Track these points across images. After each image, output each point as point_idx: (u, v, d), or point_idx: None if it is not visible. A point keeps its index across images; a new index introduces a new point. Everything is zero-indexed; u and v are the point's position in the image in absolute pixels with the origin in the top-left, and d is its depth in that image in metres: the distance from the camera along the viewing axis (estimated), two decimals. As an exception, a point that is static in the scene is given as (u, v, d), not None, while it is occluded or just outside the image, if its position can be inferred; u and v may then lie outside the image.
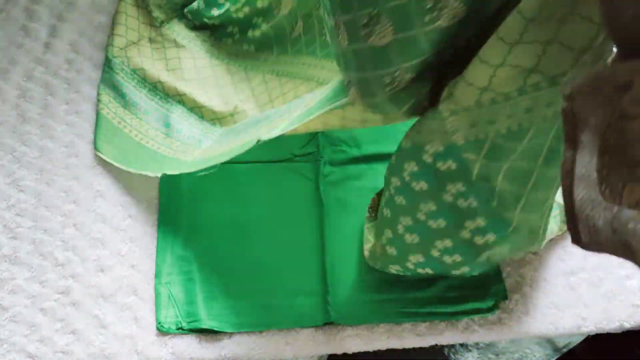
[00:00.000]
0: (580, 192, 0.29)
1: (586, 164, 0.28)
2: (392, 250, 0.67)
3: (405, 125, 0.89)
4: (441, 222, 0.58)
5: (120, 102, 0.86)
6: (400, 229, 0.63)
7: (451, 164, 0.53)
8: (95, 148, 0.83)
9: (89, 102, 0.88)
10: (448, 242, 0.60)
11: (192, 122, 0.86)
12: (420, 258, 0.64)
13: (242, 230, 0.80)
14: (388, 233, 0.66)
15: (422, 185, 0.57)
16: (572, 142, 0.29)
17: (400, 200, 0.61)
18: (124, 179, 0.82)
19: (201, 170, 0.74)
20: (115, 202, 0.80)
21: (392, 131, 0.89)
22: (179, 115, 0.87)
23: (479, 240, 0.58)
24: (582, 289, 0.77)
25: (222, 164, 0.84)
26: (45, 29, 0.92)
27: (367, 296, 0.76)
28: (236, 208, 0.81)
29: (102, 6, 0.96)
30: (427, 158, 0.54)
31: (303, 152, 0.86)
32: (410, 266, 0.67)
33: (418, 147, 0.55)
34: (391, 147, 0.87)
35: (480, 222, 0.56)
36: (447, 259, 0.62)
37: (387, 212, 0.66)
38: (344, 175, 0.85)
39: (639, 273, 0.78)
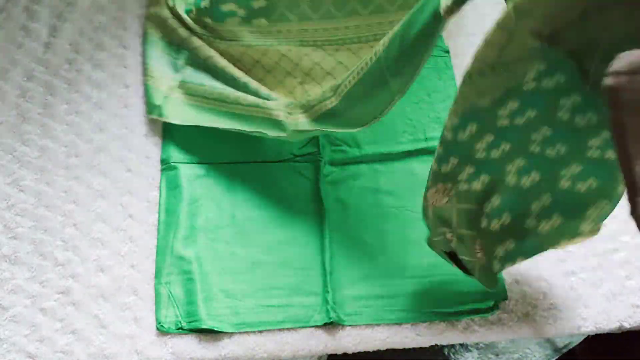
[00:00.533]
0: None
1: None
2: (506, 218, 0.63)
3: (404, 126, 0.89)
4: (560, 148, 0.54)
5: (194, 85, 0.88)
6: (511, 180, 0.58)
7: (559, 77, 0.49)
8: (148, 112, 0.86)
9: (89, 102, 0.88)
10: (576, 167, 0.56)
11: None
12: (548, 201, 0.59)
13: (242, 230, 0.80)
14: (495, 201, 0.62)
15: (529, 113, 0.53)
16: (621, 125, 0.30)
17: (506, 147, 0.57)
18: (124, 179, 0.82)
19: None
20: (115, 202, 0.80)
21: (392, 132, 0.89)
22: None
23: (611, 155, 0.54)
24: (582, 289, 0.77)
25: (222, 163, 0.85)
26: (46, 29, 0.92)
27: (367, 296, 0.76)
28: (236, 208, 0.81)
29: (102, 6, 0.96)
30: (529, 85, 0.50)
31: (303, 152, 0.86)
32: (536, 210, 0.61)
33: (513, 87, 0.51)
34: (391, 147, 0.88)
35: (606, 134, 0.52)
36: (582, 187, 0.58)
37: (484, 178, 0.61)
38: (344, 175, 0.85)
39: (639, 273, 0.78)
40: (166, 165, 0.83)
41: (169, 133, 0.86)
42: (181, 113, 0.87)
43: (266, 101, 0.83)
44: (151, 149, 0.85)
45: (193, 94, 0.88)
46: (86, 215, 0.79)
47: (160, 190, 0.82)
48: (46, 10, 0.93)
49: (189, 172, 0.83)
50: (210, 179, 0.84)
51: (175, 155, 0.84)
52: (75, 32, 0.93)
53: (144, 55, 0.92)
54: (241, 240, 0.79)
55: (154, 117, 0.86)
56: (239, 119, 0.84)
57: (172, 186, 0.82)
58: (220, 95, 0.86)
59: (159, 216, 0.79)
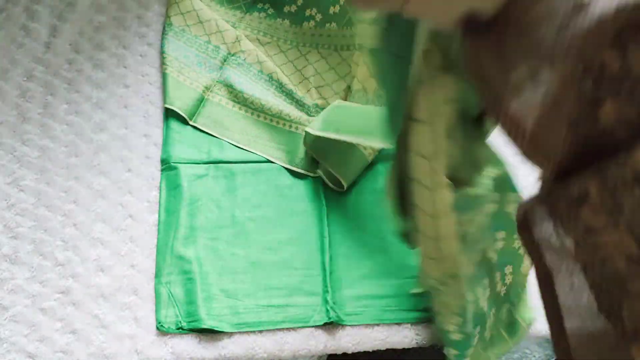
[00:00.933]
0: (572, 325, 0.24)
1: (568, 291, 0.24)
2: None
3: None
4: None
5: (235, 91, 0.91)
6: None
7: None
8: (165, 102, 0.88)
9: (89, 101, 0.88)
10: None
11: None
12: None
13: (242, 230, 0.80)
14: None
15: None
16: (545, 273, 0.25)
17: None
18: (124, 179, 0.82)
19: None
20: (115, 202, 0.80)
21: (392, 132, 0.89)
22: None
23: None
24: (582, 289, 0.77)
25: (222, 163, 0.85)
26: (46, 29, 0.92)
27: (366, 296, 0.76)
28: (236, 208, 0.81)
29: (102, 6, 0.96)
30: None
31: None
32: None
33: None
34: (391, 147, 0.88)
35: None
36: None
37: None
38: (344, 175, 0.85)
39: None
40: (166, 165, 0.83)
41: (169, 133, 0.86)
42: (215, 120, 0.88)
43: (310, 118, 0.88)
44: (151, 149, 0.85)
45: (233, 100, 0.90)
46: (86, 215, 0.79)
47: (160, 190, 0.82)
48: (46, 10, 0.93)
49: (189, 172, 0.83)
50: (210, 179, 0.84)
51: (175, 155, 0.84)
52: (75, 32, 0.93)
53: (163, 43, 0.93)
54: (241, 240, 0.79)
55: (179, 112, 0.87)
56: (270, 139, 0.87)
57: (172, 186, 0.82)
58: (263, 106, 0.89)
59: (159, 216, 0.79)
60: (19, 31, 0.91)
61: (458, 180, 0.49)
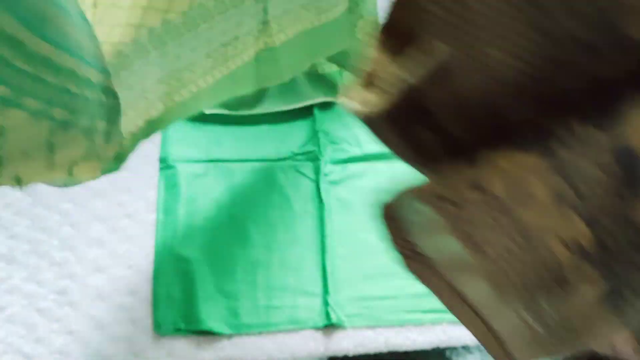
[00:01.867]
0: None
1: None
2: None
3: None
4: None
5: None
6: None
7: None
8: None
9: (87, 99, 0.87)
10: None
11: None
12: None
13: (242, 230, 0.79)
14: None
15: None
16: None
17: None
18: (122, 178, 0.81)
19: None
20: (113, 202, 0.79)
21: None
22: None
23: None
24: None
25: (221, 162, 0.84)
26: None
27: (367, 297, 0.75)
28: (236, 208, 0.80)
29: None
30: None
31: (303, 151, 0.85)
32: None
33: None
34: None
35: None
36: None
37: None
38: (345, 174, 0.84)
39: None
40: (165, 164, 0.82)
41: (168, 131, 0.85)
42: None
43: None
44: (149, 147, 0.84)
45: None
46: (83, 215, 0.78)
47: (158, 189, 0.81)
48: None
49: (187, 170, 0.82)
50: (209, 178, 0.83)
51: (174, 153, 0.83)
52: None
53: None
54: (241, 240, 0.78)
55: None
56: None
57: (170, 185, 0.81)
58: None
59: (157, 215, 0.79)
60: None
61: None
